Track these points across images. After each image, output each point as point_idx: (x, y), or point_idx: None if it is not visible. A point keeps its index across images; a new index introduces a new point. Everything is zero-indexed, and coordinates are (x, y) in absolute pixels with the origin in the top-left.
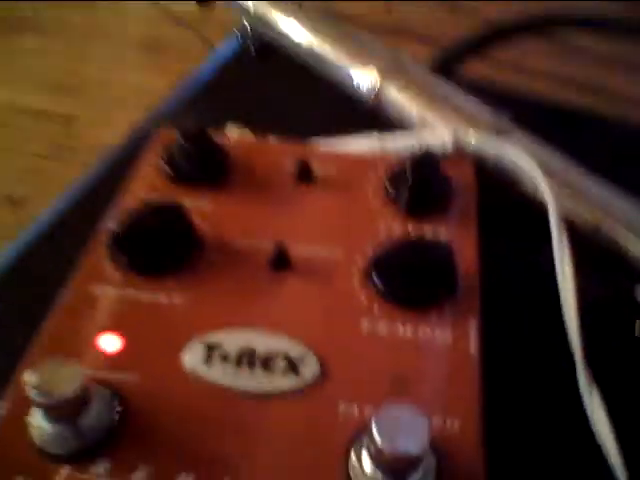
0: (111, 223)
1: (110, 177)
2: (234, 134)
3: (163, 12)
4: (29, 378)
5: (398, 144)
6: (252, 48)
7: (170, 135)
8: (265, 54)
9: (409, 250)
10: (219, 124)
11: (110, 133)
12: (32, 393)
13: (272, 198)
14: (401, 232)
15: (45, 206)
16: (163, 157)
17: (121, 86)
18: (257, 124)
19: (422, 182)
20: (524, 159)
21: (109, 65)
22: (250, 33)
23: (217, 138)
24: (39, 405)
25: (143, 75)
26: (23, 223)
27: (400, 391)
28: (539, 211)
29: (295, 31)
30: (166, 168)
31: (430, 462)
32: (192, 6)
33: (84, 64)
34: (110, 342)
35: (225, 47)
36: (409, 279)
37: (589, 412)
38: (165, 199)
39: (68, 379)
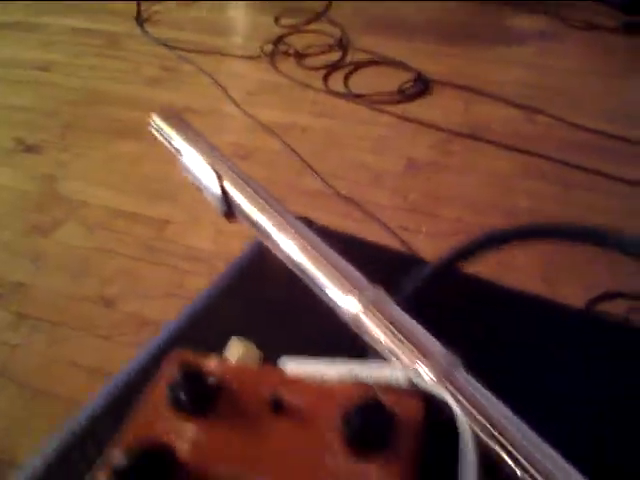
0: (115, 452)
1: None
2: (237, 350)
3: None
4: None
5: (363, 373)
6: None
7: (183, 356)
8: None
9: None
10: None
11: (198, 236)
12: None
13: (248, 427)
14: (342, 469)
15: (133, 303)
16: (170, 384)
17: None
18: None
19: (364, 427)
20: (460, 417)
21: None
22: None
23: (210, 367)
24: None
25: None
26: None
27: None
28: None
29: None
30: (169, 395)
31: None
32: None
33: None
34: None
35: (244, 255)
36: None
37: None
38: (158, 437)
39: None
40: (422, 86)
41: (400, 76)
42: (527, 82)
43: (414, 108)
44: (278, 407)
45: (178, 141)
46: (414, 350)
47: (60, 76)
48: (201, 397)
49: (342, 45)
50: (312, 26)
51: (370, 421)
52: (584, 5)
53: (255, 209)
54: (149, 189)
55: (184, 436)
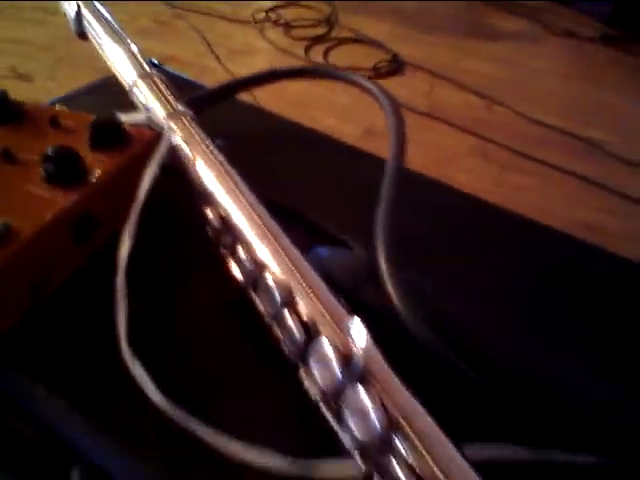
0: None
1: None
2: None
3: None
4: None
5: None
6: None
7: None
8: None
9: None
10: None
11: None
12: None
13: (31, 131)
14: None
15: None
16: None
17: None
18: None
19: (97, 131)
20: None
21: None
22: None
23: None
24: None
25: None
26: None
27: None
28: None
29: None
30: None
31: None
32: None
33: None
34: None
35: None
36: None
37: None
38: None
39: None
40: (396, 66)
41: (378, 55)
42: (495, 76)
43: (384, 85)
44: (54, 124)
45: None
46: (165, 103)
47: (64, 18)
48: (5, 111)
49: (330, 22)
50: (307, 2)
51: (101, 129)
52: (566, 13)
53: (99, 26)
54: None
55: None
